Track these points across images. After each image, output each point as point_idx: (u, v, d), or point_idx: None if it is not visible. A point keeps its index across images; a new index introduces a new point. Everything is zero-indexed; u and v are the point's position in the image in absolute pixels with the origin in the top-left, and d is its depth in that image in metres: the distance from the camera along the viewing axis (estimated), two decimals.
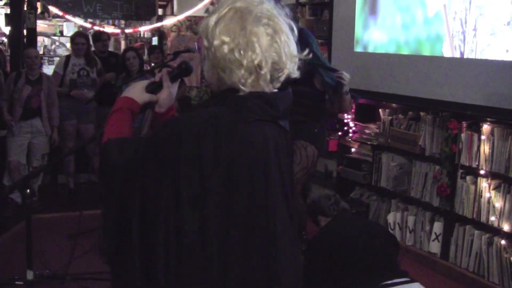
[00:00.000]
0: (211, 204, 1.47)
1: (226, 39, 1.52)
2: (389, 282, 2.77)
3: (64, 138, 6.05)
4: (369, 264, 2.84)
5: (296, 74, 1.61)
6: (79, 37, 6.17)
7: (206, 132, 1.48)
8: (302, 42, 1.67)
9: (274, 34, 1.54)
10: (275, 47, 1.54)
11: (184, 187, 1.46)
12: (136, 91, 1.77)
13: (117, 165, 1.56)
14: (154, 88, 1.81)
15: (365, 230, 3.11)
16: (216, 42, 1.53)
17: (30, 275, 2.77)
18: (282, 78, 1.58)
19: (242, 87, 1.52)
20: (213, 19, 1.56)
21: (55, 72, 6.14)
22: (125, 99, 1.74)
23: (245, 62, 1.51)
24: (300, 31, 1.77)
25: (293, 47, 1.59)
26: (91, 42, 6.51)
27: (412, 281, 2.85)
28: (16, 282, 3.83)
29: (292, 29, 1.61)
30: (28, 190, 2.51)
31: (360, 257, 2.87)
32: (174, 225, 1.47)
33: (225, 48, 1.51)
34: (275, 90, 1.59)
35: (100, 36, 6.88)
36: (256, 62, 1.51)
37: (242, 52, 1.51)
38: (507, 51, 3.85)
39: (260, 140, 1.54)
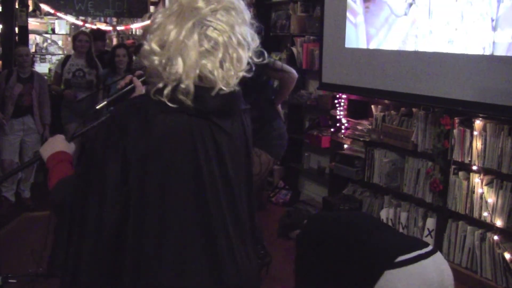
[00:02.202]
0: (135, 191, 1.49)
1: (155, 47, 1.48)
2: (407, 257, 2.65)
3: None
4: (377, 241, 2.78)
5: (231, 88, 1.51)
6: (82, 34, 6.20)
7: (128, 122, 1.48)
8: None
9: (212, 47, 1.46)
10: (210, 61, 1.47)
11: (109, 174, 1.48)
12: (63, 145, 1.78)
13: (66, 199, 1.56)
14: (126, 92, 1.84)
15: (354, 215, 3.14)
16: (146, 47, 1.50)
17: None
18: (212, 93, 1.49)
19: (157, 97, 1.49)
20: (156, 21, 1.51)
21: (55, 71, 6.20)
22: (63, 154, 1.74)
23: (165, 75, 1.47)
24: None
25: (239, 63, 1.51)
26: None
27: (431, 253, 2.68)
28: (10, 280, 3.81)
29: (246, 38, 1.52)
30: None
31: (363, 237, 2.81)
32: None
33: (154, 60, 1.49)
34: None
35: (103, 36, 6.91)
36: (176, 77, 1.46)
37: (164, 63, 1.47)
38: (493, 43, 3.87)
39: (181, 130, 1.50)
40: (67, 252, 1.55)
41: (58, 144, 1.78)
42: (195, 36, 1.45)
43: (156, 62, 1.48)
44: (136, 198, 1.49)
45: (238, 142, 1.63)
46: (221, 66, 1.48)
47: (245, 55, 1.52)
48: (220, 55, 1.47)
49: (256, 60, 1.57)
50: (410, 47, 4.58)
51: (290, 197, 6.35)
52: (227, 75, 1.50)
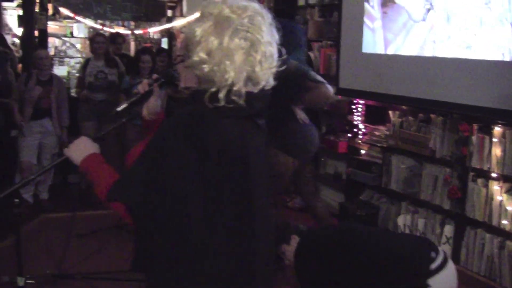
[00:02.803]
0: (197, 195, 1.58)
1: (204, 56, 1.60)
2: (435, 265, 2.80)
3: None
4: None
5: (270, 85, 1.67)
6: (98, 36, 6.29)
7: (192, 128, 1.58)
8: (292, 43, 1.72)
9: (250, 48, 1.60)
10: (250, 61, 1.60)
11: (180, 178, 1.57)
12: (92, 146, 1.86)
13: (136, 199, 1.61)
14: (143, 97, 1.92)
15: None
16: (195, 59, 1.61)
17: (21, 281, 2.84)
18: (256, 90, 1.64)
19: (211, 103, 1.59)
20: (197, 34, 1.61)
21: (78, 76, 6.31)
22: (97, 156, 1.83)
23: (217, 80, 1.59)
24: (294, 32, 1.80)
25: (271, 59, 1.65)
26: None
27: (445, 260, 2.88)
28: (28, 281, 3.85)
29: (273, 37, 1.66)
30: (16, 200, 2.59)
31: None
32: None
33: (204, 68, 1.60)
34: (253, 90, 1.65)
35: (115, 39, 6.97)
36: (229, 81, 1.59)
37: (216, 69, 1.59)
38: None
39: (240, 134, 1.64)
40: (152, 249, 1.64)
41: (87, 146, 1.85)
42: (236, 41, 1.59)
43: (207, 69, 1.60)
44: (202, 194, 1.59)
45: (265, 138, 1.76)
46: (261, 65, 1.62)
47: (275, 51, 1.67)
48: (258, 55, 1.61)
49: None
50: (428, 52, 4.55)
51: None
52: (267, 73, 1.65)
